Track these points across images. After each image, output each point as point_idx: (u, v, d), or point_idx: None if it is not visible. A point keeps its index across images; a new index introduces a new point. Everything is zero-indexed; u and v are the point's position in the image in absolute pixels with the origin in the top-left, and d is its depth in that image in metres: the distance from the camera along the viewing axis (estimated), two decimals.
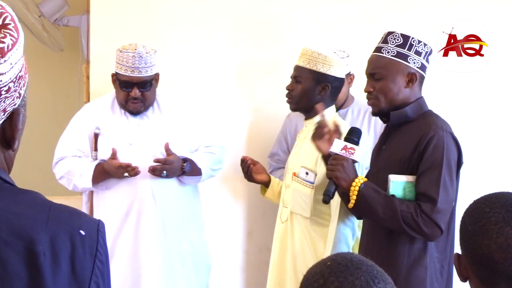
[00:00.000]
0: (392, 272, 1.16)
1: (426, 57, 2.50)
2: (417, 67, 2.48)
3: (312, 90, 2.92)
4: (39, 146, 5.19)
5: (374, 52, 2.56)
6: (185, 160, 3.13)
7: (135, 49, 3.09)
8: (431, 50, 2.53)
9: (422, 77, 2.52)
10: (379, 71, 2.49)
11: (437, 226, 2.37)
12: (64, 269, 1.08)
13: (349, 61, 3.43)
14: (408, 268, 2.43)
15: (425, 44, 2.50)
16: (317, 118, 2.92)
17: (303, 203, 2.86)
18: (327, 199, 2.52)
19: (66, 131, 3.26)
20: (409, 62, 2.47)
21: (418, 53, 2.48)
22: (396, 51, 2.48)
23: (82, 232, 1.12)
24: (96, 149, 3.16)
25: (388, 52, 2.49)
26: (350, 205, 2.47)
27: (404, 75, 2.48)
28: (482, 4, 3.93)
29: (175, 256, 3.18)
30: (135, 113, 3.17)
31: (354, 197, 2.43)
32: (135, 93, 3.10)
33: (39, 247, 1.06)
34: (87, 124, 3.19)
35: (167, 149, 3.07)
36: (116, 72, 3.15)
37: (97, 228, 1.15)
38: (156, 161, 3.06)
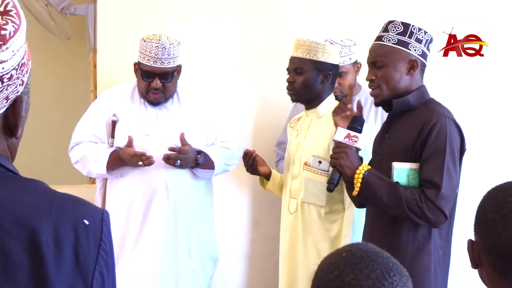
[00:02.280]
0: (396, 259, 1.16)
1: (427, 45, 2.52)
2: (418, 54, 2.50)
3: (314, 80, 2.94)
4: (45, 135, 5.24)
5: (375, 41, 2.58)
6: (199, 152, 3.14)
7: (159, 40, 3.09)
8: (431, 38, 2.54)
9: (424, 65, 2.53)
10: (381, 59, 2.51)
11: (441, 212, 2.38)
12: (67, 259, 1.07)
13: (356, 49, 3.44)
14: (413, 255, 2.44)
15: (425, 32, 2.52)
16: (320, 108, 2.97)
17: (318, 192, 2.86)
18: (331, 187, 2.54)
19: (84, 116, 3.27)
20: (410, 49, 2.49)
21: (418, 40, 2.50)
22: (397, 39, 2.49)
23: (86, 222, 1.10)
24: (113, 136, 3.17)
25: (389, 40, 2.50)
26: (355, 192, 2.48)
27: (406, 62, 2.49)
28: (482, 4, 3.92)
29: (183, 248, 3.19)
30: (155, 103, 3.16)
31: (359, 184, 2.45)
32: (156, 83, 3.10)
33: (42, 237, 1.05)
34: (106, 110, 3.20)
35: (182, 139, 3.07)
36: (138, 61, 3.15)
37: (102, 217, 1.13)
38: (171, 149, 3.06)
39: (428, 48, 2.53)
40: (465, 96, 3.95)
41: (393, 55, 2.49)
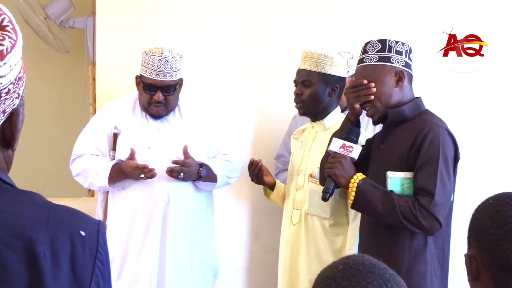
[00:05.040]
0: (393, 268, 1.16)
1: (407, 55, 2.56)
2: (402, 65, 2.54)
3: (322, 93, 2.95)
4: (45, 148, 5.23)
5: (358, 64, 2.62)
6: (201, 165, 3.14)
7: (162, 53, 3.09)
8: (410, 48, 2.58)
9: (410, 75, 2.57)
10: (368, 79, 2.54)
11: (435, 220, 2.40)
12: (64, 270, 1.07)
13: (354, 62, 3.45)
14: (409, 264, 2.45)
15: (403, 44, 2.56)
16: (326, 120, 2.98)
17: (323, 204, 2.83)
18: (326, 197, 2.56)
19: (85, 129, 3.28)
20: (393, 62, 2.53)
21: (399, 52, 2.54)
22: (378, 56, 2.54)
23: (82, 233, 1.11)
24: (114, 149, 3.17)
25: (370, 60, 2.55)
26: (350, 202, 2.50)
27: (392, 76, 2.53)
28: (482, 4, 3.94)
29: (185, 260, 3.19)
30: (156, 116, 3.17)
31: (353, 193, 2.47)
32: (158, 96, 3.10)
33: (39, 248, 1.06)
34: (107, 123, 3.20)
35: (185, 152, 3.08)
36: (140, 74, 3.15)
37: (98, 228, 1.14)
38: (174, 162, 3.06)
39: (409, 58, 2.58)
40: (465, 96, 3.96)
41: (379, 72, 2.54)
